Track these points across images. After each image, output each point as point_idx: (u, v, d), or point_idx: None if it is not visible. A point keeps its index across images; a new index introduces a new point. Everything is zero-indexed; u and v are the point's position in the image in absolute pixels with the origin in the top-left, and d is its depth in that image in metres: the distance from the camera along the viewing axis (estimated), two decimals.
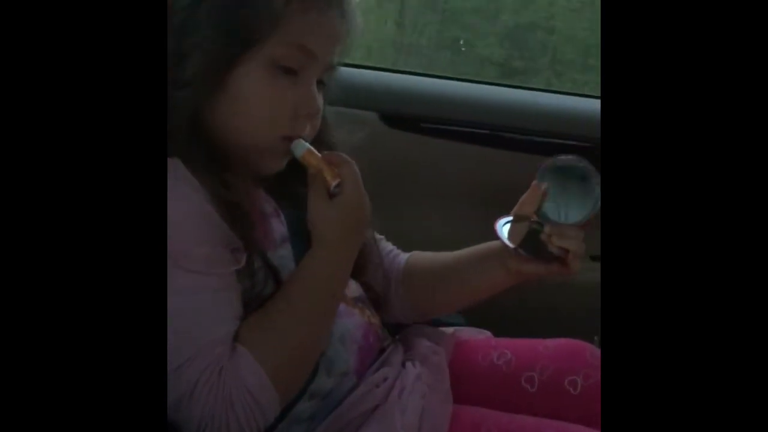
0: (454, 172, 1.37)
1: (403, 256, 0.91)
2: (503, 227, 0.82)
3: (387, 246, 0.92)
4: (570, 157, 0.80)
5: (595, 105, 1.44)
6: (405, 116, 1.33)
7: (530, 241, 0.78)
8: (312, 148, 0.71)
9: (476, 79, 1.55)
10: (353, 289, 0.82)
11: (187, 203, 0.65)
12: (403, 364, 0.81)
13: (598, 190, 0.77)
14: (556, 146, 1.37)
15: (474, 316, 1.10)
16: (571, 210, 0.78)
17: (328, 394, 0.73)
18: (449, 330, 0.91)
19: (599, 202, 0.77)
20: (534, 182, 0.79)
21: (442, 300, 0.89)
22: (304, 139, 0.72)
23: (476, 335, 0.93)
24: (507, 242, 0.80)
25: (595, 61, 1.85)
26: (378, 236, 0.91)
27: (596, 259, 1.42)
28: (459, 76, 1.58)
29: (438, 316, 0.93)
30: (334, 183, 0.69)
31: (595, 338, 1.01)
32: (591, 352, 0.84)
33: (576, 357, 0.83)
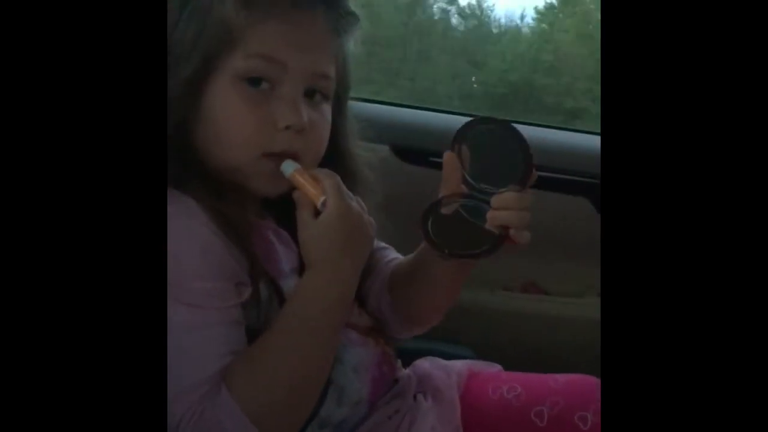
0: None
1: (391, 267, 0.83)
2: (429, 223, 0.69)
3: (387, 255, 0.85)
4: (474, 120, 0.70)
5: (598, 141, 1.46)
6: (416, 150, 1.34)
7: (459, 224, 0.68)
8: (300, 168, 0.68)
9: (485, 115, 1.57)
10: (367, 317, 0.81)
11: (188, 236, 0.63)
12: (414, 397, 0.80)
13: (524, 143, 0.67)
14: (563, 182, 1.38)
15: (482, 350, 1.10)
16: (502, 176, 0.68)
17: (340, 424, 0.72)
18: (461, 363, 0.90)
19: (530, 155, 0.67)
20: (445, 153, 0.70)
21: (420, 304, 0.80)
22: (301, 157, 0.69)
23: (487, 369, 0.92)
24: (432, 239, 0.69)
25: None
26: (382, 245, 0.85)
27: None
28: (470, 112, 1.60)
29: (426, 324, 0.83)
30: (320, 200, 0.65)
31: None
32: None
33: (586, 393, 0.82)
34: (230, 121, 0.68)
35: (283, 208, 0.73)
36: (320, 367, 0.66)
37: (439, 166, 1.33)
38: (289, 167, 0.68)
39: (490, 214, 0.67)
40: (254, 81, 0.67)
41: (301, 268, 0.73)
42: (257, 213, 0.74)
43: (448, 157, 0.70)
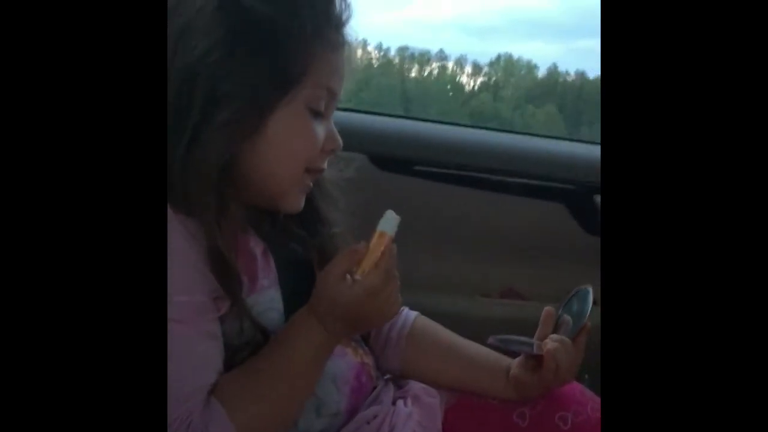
0: (443, 213, 1.39)
1: (411, 314, 0.88)
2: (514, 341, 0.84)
3: None
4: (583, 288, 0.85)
5: (585, 149, 1.48)
6: (393, 158, 1.35)
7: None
8: (388, 232, 0.68)
9: (460, 122, 1.59)
10: None
11: (170, 251, 0.62)
12: (394, 402, 0.80)
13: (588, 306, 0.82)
14: (539, 188, 1.40)
15: None
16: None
17: None
18: None
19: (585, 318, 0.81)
20: (549, 309, 0.85)
21: (437, 381, 0.85)
22: None
23: None
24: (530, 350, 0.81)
25: None
26: None
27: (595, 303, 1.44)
28: (446, 120, 1.61)
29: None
30: (359, 272, 0.66)
31: (585, 376, 1.01)
32: (581, 390, 0.85)
33: (567, 394, 0.83)
34: (299, 147, 0.70)
35: (261, 220, 0.74)
36: (305, 392, 0.70)
37: (418, 174, 1.36)
38: (388, 223, 0.68)
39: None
40: (316, 111, 0.70)
41: (280, 280, 0.74)
42: (242, 226, 0.74)
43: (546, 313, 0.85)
